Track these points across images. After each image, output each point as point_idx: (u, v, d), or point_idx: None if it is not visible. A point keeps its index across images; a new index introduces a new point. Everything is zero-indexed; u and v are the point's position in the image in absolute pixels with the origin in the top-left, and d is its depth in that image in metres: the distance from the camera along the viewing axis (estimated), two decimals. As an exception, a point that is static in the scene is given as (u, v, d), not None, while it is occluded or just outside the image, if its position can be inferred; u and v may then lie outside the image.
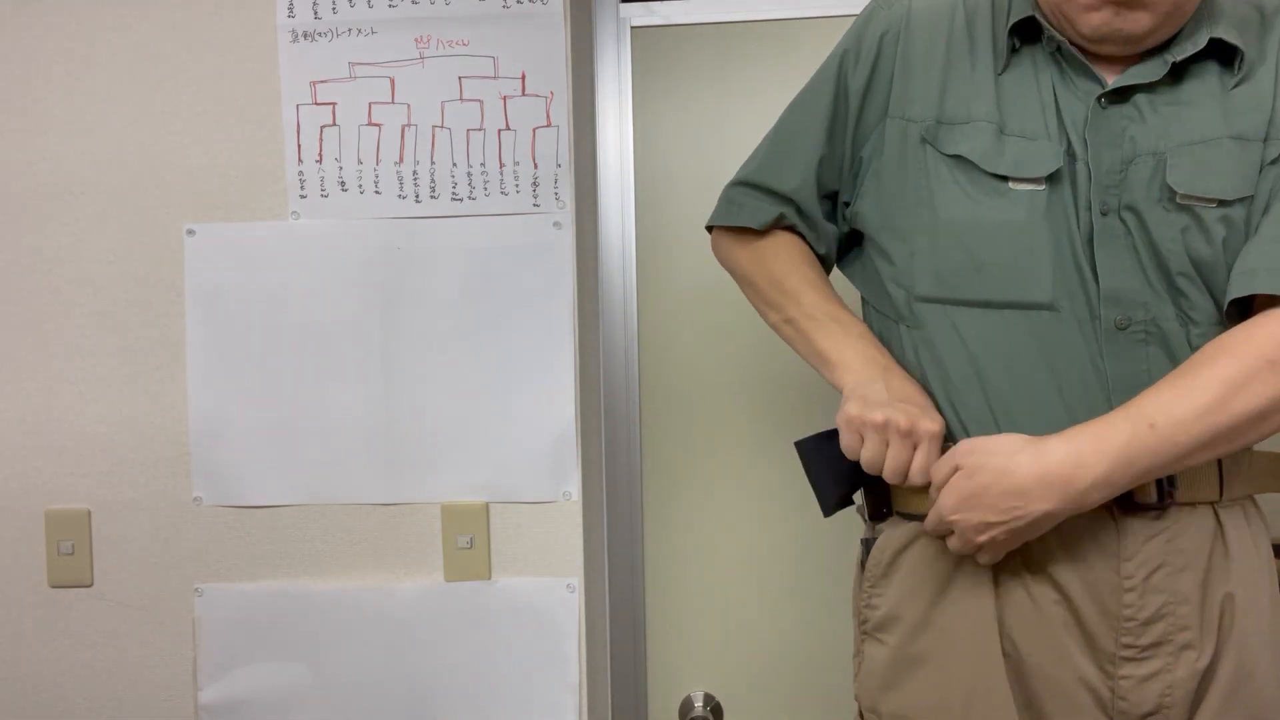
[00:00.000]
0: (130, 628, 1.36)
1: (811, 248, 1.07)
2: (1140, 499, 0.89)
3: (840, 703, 1.44)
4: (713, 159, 1.56)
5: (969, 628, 0.94)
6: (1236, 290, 0.86)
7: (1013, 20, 0.95)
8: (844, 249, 1.10)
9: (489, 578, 1.33)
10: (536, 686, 1.32)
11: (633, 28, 1.57)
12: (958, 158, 0.95)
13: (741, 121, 1.55)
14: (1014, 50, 0.96)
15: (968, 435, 0.93)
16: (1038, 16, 0.94)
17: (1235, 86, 0.90)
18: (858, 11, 1.50)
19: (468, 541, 1.32)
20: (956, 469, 0.89)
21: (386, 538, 1.34)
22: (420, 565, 1.34)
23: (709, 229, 1.16)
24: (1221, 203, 0.88)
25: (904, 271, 0.98)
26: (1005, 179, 0.92)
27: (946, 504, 0.89)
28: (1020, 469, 0.86)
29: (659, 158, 1.58)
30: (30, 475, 1.36)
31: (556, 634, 1.32)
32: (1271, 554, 0.96)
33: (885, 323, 1.02)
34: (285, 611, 1.34)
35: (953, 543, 0.91)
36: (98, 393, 1.35)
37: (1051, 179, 0.91)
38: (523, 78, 1.30)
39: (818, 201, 1.06)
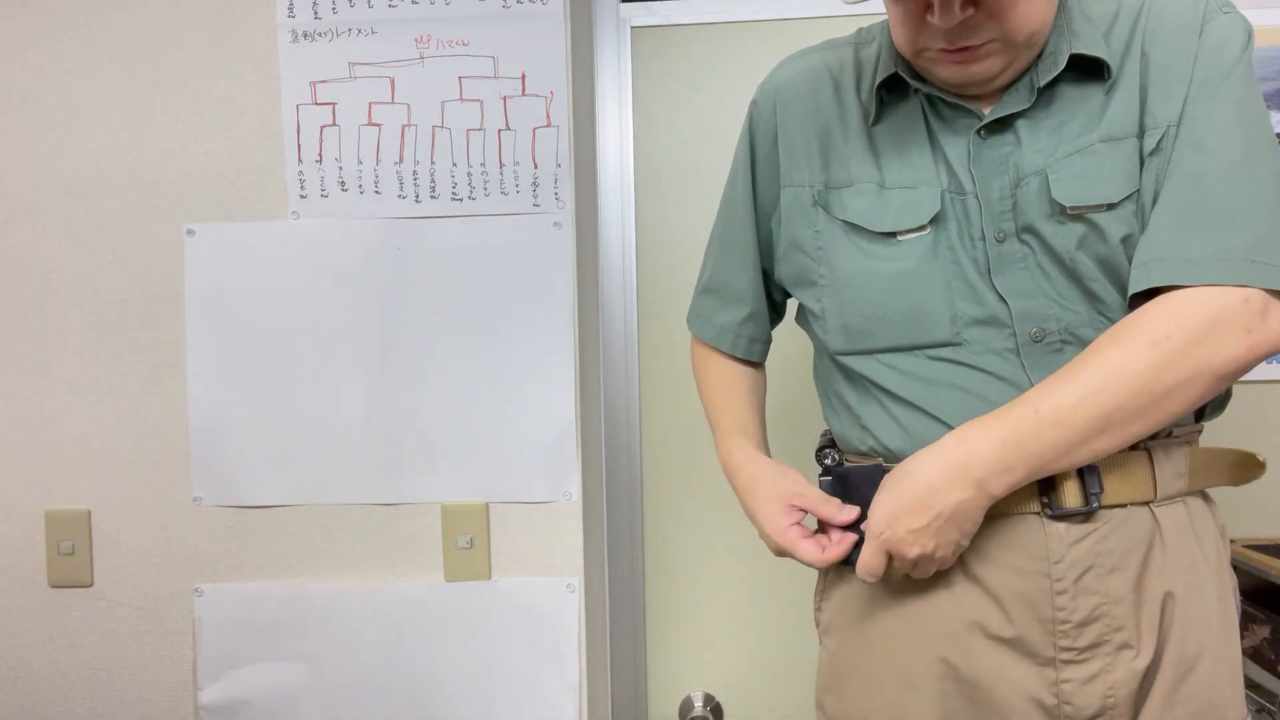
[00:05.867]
0: (130, 628, 1.36)
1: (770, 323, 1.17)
2: (1067, 505, 0.91)
3: (840, 703, 1.44)
4: (712, 158, 1.56)
5: (894, 645, 0.97)
6: (1134, 285, 0.88)
7: (880, 78, 0.99)
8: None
9: (489, 578, 1.33)
10: (536, 686, 1.32)
11: (633, 28, 1.57)
12: (846, 222, 0.99)
13: (740, 122, 1.55)
14: (883, 103, 1.00)
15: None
16: (900, 73, 0.97)
17: (1109, 92, 0.92)
18: (856, 12, 1.51)
19: (468, 541, 1.32)
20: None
21: (386, 538, 1.34)
22: (420, 565, 1.34)
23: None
24: (1109, 206, 0.90)
25: (821, 327, 1.02)
26: (893, 234, 0.96)
27: (877, 523, 0.91)
28: (926, 466, 0.89)
29: (659, 158, 1.58)
30: (30, 475, 1.36)
31: (556, 634, 1.32)
32: (1220, 546, 0.97)
33: (826, 363, 1.06)
34: (285, 611, 1.34)
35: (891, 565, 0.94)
36: (98, 393, 1.35)
37: (934, 221, 0.95)
38: (523, 78, 1.30)
39: (764, 292, 1.13)
